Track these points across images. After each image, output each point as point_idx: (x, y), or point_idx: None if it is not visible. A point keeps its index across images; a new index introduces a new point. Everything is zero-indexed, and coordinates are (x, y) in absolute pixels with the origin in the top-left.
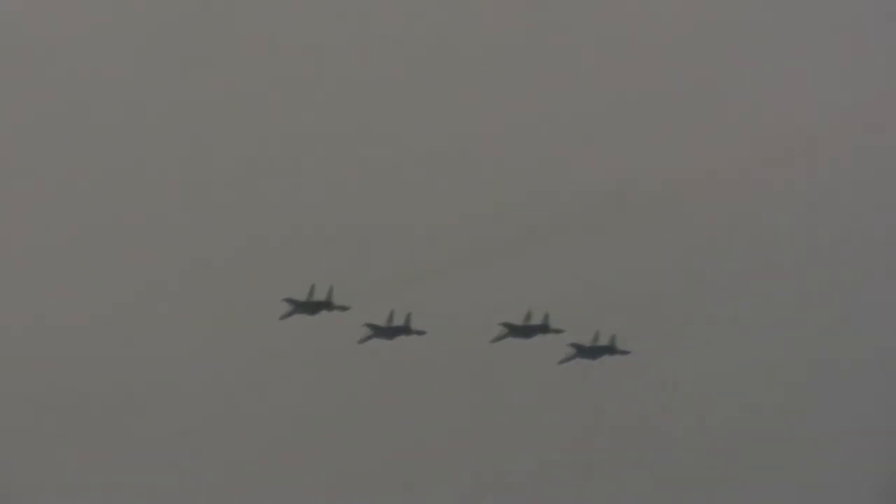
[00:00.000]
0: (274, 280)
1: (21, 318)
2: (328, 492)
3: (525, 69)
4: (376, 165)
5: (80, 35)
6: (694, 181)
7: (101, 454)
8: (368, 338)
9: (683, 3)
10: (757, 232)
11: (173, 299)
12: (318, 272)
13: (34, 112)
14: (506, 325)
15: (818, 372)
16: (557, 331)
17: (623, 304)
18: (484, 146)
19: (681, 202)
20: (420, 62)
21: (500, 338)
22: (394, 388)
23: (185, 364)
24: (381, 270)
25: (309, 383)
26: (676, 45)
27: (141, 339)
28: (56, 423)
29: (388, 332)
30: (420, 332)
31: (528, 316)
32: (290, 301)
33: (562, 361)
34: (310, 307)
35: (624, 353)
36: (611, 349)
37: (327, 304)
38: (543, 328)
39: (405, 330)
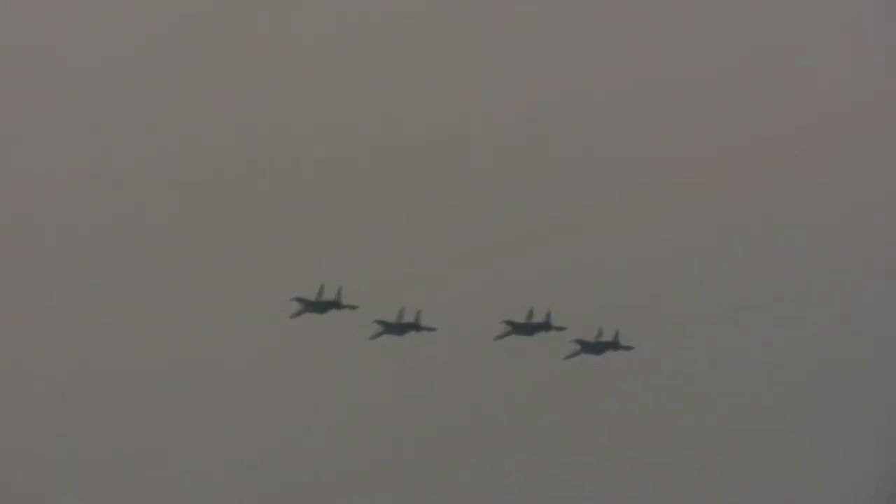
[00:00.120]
0: (278, 279)
1: (22, 315)
2: (333, 489)
3: (526, 64)
4: (377, 164)
5: (80, 35)
6: (694, 179)
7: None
8: (379, 334)
9: None
10: (756, 231)
11: (177, 297)
12: (322, 271)
13: (35, 111)
14: (509, 322)
15: (818, 372)
16: (559, 328)
17: (622, 302)
18: (480, 144)
19: (681, 200)
20: (421, 59)
21: (503, 335)
22: (401, 384)
23: (191, 362)
24: (384, 270)
25: (313, 380)
26: (681, 39)
27: (144, 336)
28: (58, 422)
29: (398, 328)
30: (430, 329)
31: (531, 314)
32: (300, 300)
33: (567, 357)
34: (319, 306)
35: (627, 348)
36: (615, 345)
37: (336, 304)
38: (546, 326)
39: (415, 326)
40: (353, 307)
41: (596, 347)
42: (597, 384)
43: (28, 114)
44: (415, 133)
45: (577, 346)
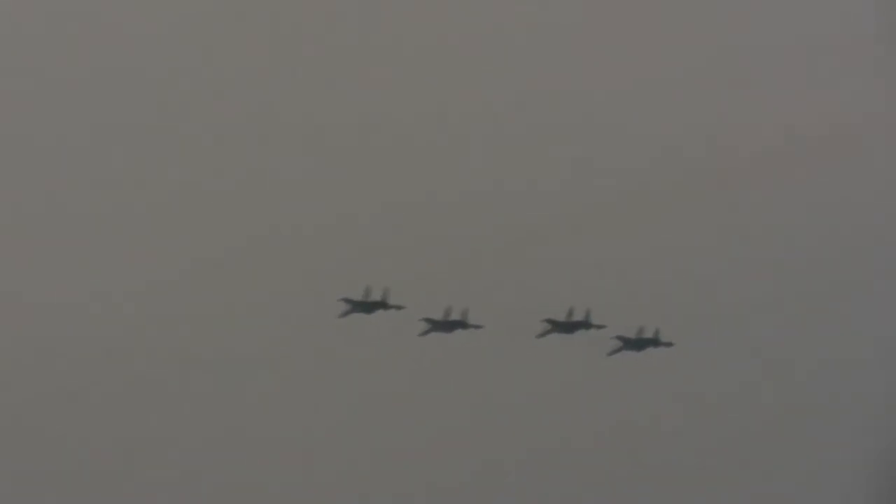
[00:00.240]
0: (324, 279)
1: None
2: (387, 483)
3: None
4: (411, 160)
5: (82, 34)
6: (703, 177)
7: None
8: (427, 332)
9: None
10: (754, 231)
11: (224, 295)
12: (366, 271)
13: (34, 111)
14: (549, 321)
15: (818, 372)
16: (599, 326)
17: (619, 301)
18: (517, 139)
19: (684, 200)
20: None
21: (544, 333)
22: (441, 382)
23: (239, 362)
24: (425, 269)
25: (364, 378)
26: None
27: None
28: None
29: (446, 325)
30: (477, 326)
31: (570, 312)
32: (347, 301)
33: (610, 353)
34: (366, 306)
35: (668, 345)
36: (655, 342)
37: (383, 304)
38: (585, 324)
39: (462, 324)
40: (399, 307)
41: (637, 344)
42: (596, 384)
43: (27, 114)
44: (447, 122)
45: (619, 343)
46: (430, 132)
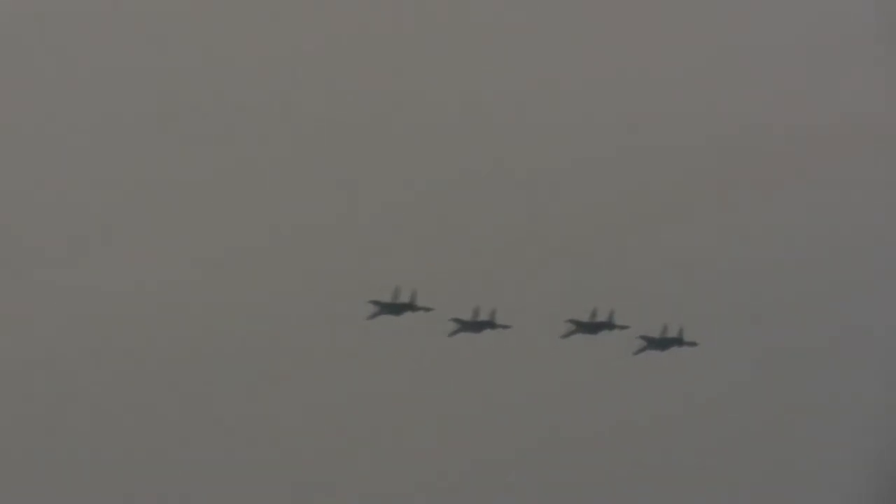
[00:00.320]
0: (351, 281)
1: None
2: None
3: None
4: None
5: (84, 33)
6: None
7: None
8: (456, 332)
9: None
10: (754, 231)
11: (253, 295)
12: (398, 272)
13: (36, 110)
14: (573, 321)
15: (818, 371)
16: (623, 327)
17: (620, 302)
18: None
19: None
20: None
21: (568, 334)
22: (467, 382)
23: (269, 364)
24: (450, 270)
25: (392, 379)
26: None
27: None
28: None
29: (475, 325)
30: (505, 326)
31: (594, 313)
32: (375, 303)
33: (635, 353)
34: (395, 308)
35: (692, 344)
36: (679, 341)
37: (411, 306)
38: (609, 325)
39: (491, 324)
40: (427, 309)
41: (661, 343)
42: (597, 385)
43: (29, 112)
44: (463, 118)
45: (643, 343)
46: (452, 131)
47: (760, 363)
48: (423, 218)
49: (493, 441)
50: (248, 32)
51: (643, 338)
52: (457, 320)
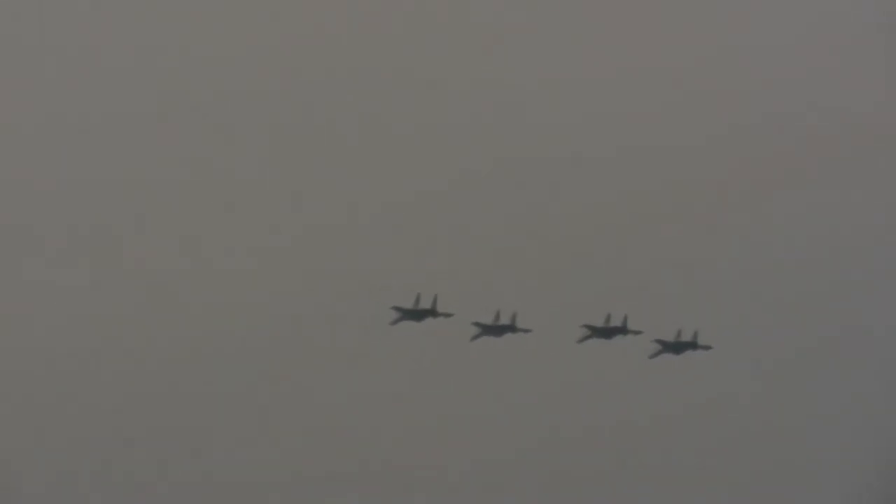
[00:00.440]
0: (375, 287)
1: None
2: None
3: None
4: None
5: (88, 34)
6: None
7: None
8: (478, 335)
9: None
10: (754, 231)
11: (272, 305)
12: (399, 273)
13: (35, 109)
14: (588, 326)
15: (818, 371)
16: (636, 332)
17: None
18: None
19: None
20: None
21: (583, 339)
22: (487, 384)
23: (287, 367)
24: (468, 276)
25: (412, 382)
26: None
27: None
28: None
29: (496, 329)
30: (526, 330)
31: (608, 318)
32: (397, 309)
33: (651, 357)
34: (416, 314)
35: (706, 348)
36: (693, 345)
37: (433, 312)
38: (623, 330)
39: (512, 328)
40: (448, 315)
41: (676, 347)
42: (596, 385)
43: (29, 112)
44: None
45: (658, 347)
46: (452, 131)
47: (760, 363)
48: (424, 218)
49: (500, 442)
50: (248, 32)
51: (658, 341)
52: (478, 324)
